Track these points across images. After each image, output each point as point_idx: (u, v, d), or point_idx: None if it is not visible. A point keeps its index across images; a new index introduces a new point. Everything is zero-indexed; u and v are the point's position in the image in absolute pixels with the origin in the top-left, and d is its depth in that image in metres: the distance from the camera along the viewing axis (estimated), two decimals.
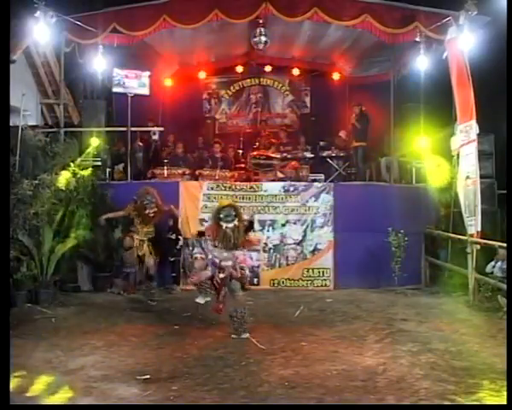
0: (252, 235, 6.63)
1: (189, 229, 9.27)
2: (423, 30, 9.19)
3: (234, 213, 6.18)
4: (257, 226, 9.54)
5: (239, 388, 4.63)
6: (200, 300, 6.41)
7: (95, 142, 9.68)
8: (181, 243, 9.06)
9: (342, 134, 11.91)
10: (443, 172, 9.08)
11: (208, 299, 6.44)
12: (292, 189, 9.69)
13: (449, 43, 8.61)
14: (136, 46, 10.22)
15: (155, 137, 11.55)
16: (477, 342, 6.07)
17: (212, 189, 9.61)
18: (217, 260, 6.25)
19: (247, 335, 6.13)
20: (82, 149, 9.48)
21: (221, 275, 6.22)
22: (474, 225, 7.99)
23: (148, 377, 4.96)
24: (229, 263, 6.22)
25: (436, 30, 8.98)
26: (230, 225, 6.14)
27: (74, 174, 8.74)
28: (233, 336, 6.15)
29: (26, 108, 9.48)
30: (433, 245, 9.80)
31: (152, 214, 7.99)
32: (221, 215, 6.17)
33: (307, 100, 13.86)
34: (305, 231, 9.54)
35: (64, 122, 10.18)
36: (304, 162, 11.14)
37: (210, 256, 6.37)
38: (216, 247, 6.26)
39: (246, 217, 6.64)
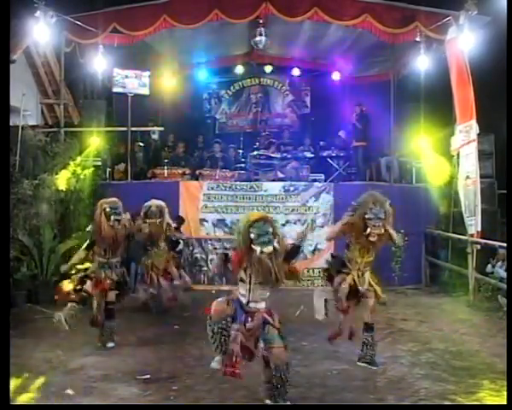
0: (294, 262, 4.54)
1: (189, 229, 9.30)
2: (423, 30, 9.19)
3: (271, 231, 4.17)
4: None
5: (239, 388, 4.62)
6: (216, 364, 4.35)
7: (95, 142, 9.68)
8: (181, 246, 9.04)
9: (342, 134, 11.91)
10: (443, 172, 9.08)
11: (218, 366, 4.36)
12: (292, 189, 9.70)
13: (449, 43, 8.60)
14: (136, 46, 10.22)
15: (155, 136, 11.57)
16: (477, 342, 6.08)
17: (212, 189, 9.62)
18: (244, 301, 4.30)
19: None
20: (82, 149, 9.47)
21: (249, 324, 4.27)
22: (474, 224, 7.99)
23: (148, 377, 4.96)
24: (263, 305, 4.34)
25: (436, 30, 8.98)
26: (268, 248, 4.09)
27: (74, 174, 8.75)
28: (267, 401, 4.35)
29: (26, 108, 9.49)
30: (433, 245, 9.80)
31: (375, 237, 5.07)
32: (252, 234, 4.11)
33: (307, 100, 13.84)
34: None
35: (64, 122, 10.17)
36: (304, 162, 11.13)
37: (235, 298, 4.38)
38: (243, 281, 4.28)
39: (290, 240, 5.32)
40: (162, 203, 7.60)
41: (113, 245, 5.96)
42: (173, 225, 7.92)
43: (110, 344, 5.92)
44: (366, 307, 5.32)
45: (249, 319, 4.27)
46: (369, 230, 5.00)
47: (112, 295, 5.98)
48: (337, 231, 5.39)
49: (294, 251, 4.51)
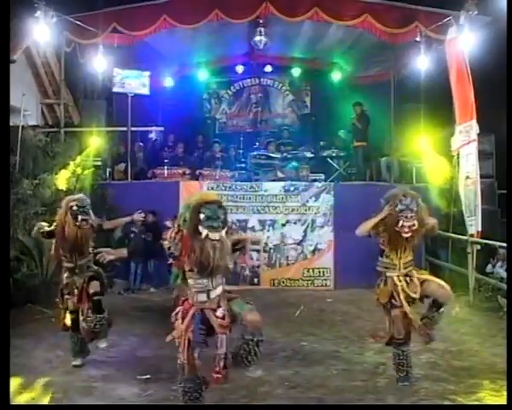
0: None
1: None
2: (423, 30, 9.20)
3: (222, 218, 3.76)
4: (257, 226, 9.57)
5: (239, 388, 4.62)
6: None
7: (95, 142, 9.68)
8: None
9: (342, 134, 11.90)
10: (443, 172, 9.08)
11: None
12: (292, 189, 9.70)
13: (449, 44, 8.60)
14: (136, 46, 10.23)
15: (152, 135, 11.63)
16: (477, 342, 6.07)
17: (212, 189, 9.63)
18: (203, 298, 3.87)
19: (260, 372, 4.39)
20: (82, 149, 9.48)
21: (219, 312, 3.86)
22: (474, 224, 7.99)
23: (148, 377, 4.96)
24: (221, 289, 3.93)
25: (436, 30, 8.99)
26: (215, 235, 3.68)
27: (74, 174, 8.75)
28: (246, 373, 4.27)
29: (26, 108, 9.48)
30: (433, 245, 9.79)
31: (409, 232, 4.69)
32: (202, 215, 3.68)
33: (307, 100, 13.86)
34: (305, 231, 9.56)
35: (64, 122, 10.19)
36: (304, 162, 11.13)
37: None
38: (191, 271, 3.85)
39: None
40: None
41: (79, 247, 5.23)
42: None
43: (102, 345, 5.41)
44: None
45: (219, 309, 3.85)
46: (401, 222, 4.62)
47: (95, 285, 5.24)
48: (371, 226, 4.84)
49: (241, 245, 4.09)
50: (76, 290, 5.23)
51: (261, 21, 10.13)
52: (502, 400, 4.33)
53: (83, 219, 5.12)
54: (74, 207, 5.13)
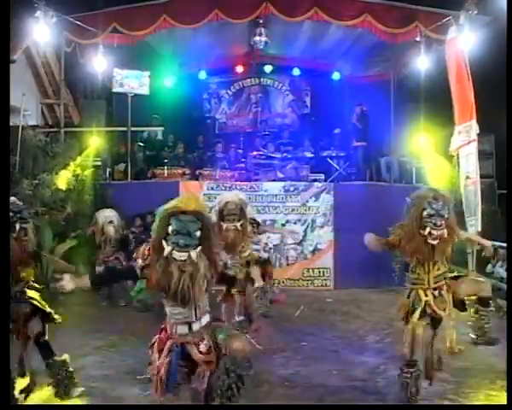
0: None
1: None
2: (423, 30, 9.21)
3: (197, 234, 3.11)
4: None
5: None
6: None
7: (95, 142, 9.68)
8: None
9: (337, 131, 11.84)
10: (443, 172, 9.08)
11: None
12: (292, 189, 9.70)
13: (449, 43, 8.61)
14: (136, 46, 10.23)
15: (159, 137, 11.67)
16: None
17: (212, 189, 9.64)
18: (183, 331, 3.29)
19: None
20: (82, 149, 9.48)
21: (203, 346, 3.26)
22: (474, 224, 7.99)
23: (148, 377, 4.95)
24: (207, 318, 3.35)
25: (436, 30, 9.00)
26: (181, 255, 3.06)
27: (74, 174, 8.76)
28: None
29: (26, 108, 9.49)
30: None
31: (437, 239, 3.97)
32: (171, 227, 3.11)
33: (307, 100, 13.84)
34: (305, 231, 9.55)
35: (64, 122, 10.19)
36: (304, 162, 11.12)
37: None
38: (165, 297, 3.25)
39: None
40: (241, 197, 5.37)
41: (18, 267, 4.23)
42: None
43: (78, 391, 4.42)
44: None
45: (203, 342, 3.22)
46: (428, 229, 3.90)
47: (37, 326, 4.25)
48: (388, 240, 4.26)
49: (227, 279, 3.37)
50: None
51: (261, 21, 10.13)
52: (502, 400, 4.33)
53: (21, 228, 4.13)
54: (10, 215, 3.99)
